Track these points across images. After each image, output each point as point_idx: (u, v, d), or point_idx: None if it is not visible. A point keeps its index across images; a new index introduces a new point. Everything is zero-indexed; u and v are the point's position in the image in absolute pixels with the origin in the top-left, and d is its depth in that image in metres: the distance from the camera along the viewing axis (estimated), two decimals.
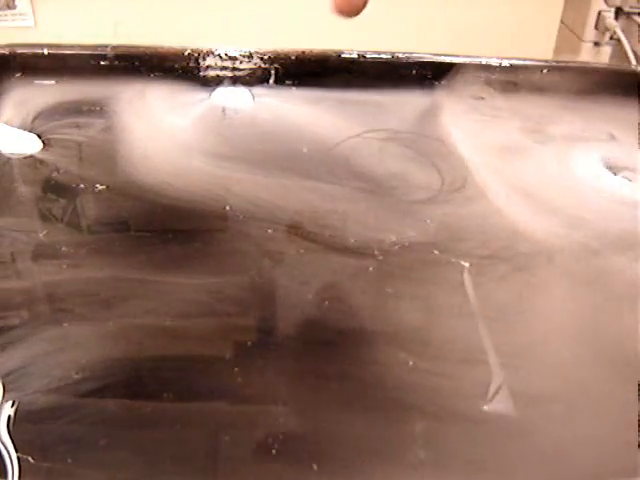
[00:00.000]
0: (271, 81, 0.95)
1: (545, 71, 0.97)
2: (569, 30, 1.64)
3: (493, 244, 0.73)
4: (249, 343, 0.62)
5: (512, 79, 0.96)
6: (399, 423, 0.56)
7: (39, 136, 0.84)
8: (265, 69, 0.95)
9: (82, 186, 0.79)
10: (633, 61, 1.47)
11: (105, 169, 0.81)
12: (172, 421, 0.55)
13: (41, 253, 0.69)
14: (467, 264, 0.70)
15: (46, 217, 0.75)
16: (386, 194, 0.80)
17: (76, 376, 0.57)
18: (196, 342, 0.63)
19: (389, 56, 0.96)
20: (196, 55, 0.94)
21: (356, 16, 0.50)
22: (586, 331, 0.64)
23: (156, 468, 0.52)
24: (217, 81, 0.95)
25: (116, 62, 0.93)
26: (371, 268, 0.69)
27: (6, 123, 0.85)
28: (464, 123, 0.92)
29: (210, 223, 0.74)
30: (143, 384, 0.58)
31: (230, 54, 0.94)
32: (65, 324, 0.62)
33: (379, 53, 0.96)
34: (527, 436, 0.55)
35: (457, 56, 0.97)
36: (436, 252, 0.71)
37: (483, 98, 0.96)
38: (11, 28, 1.52)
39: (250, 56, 0.94)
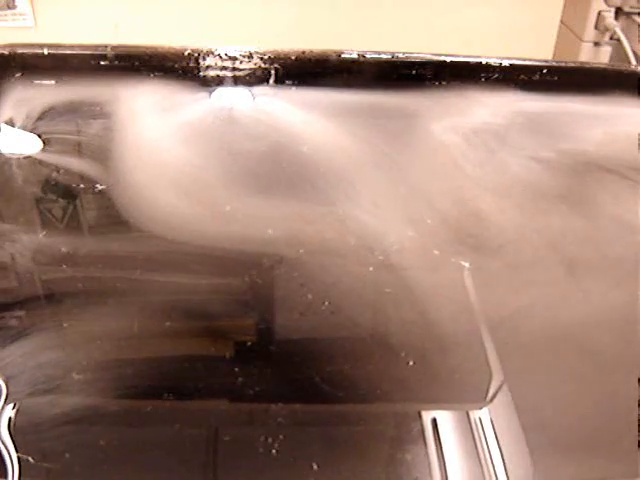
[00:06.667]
0: (271, 81, 0.95)
1: (545, 71, 0.97)
2: (569, 30, 1.64)
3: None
4: (249, 343, 0.62)
5: None
6: (400, 422, 0.56)
7: (39, 136, 0.84)
8: (265, 69, 0.94)
9: (82, 186, 0.79)
10: (633, 61, 1.47)
11: (105, 169, 0.81)
12: (172, 421, 0.55)
13: (41, 253, 0.69)
14: (467, 264, 0.70)
15: (46, 217, 0.75)
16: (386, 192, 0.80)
17: (76, 376, 0.57)
18: (196, 342, 0.63)
19: (389, 56, 0.96)
20: (196, 55, 0.94)
21: None
22: None
23: (156, 467, 0.52)
24: (217, 81, 0.95)
25: (116, 62, 0.93)
26: (371, 268, 0.69)
27: (6, 123, 0.85)
28: None
29: (210, 223, 0.74)
30: (143, 384, 0.58)
31: (230, 54, 0.94)
32: (65, 324, 0.62)
33: (379, 53, 0.96)
34: None
35: (457, 56, 0.97)
36: (436, 252, 0.71)
37: None
38: (11, 28, 1.52)
39: (250, 56, 0.94)
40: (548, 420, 0.57)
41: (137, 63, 0.94)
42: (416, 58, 0.96)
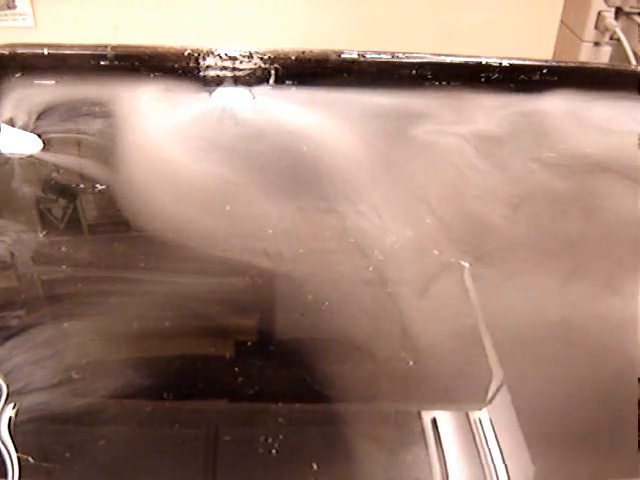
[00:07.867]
0: (271, 81, 0.95)
1: (545, 71, 0.97)
2: (569, 30, 1.64)
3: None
4: (249, 343, 0.62)
5: None
6: (400, 422, 0.56)
7: (39, 136, 0.84)
8: (265, 69, 0.94)
9: (82, 186, 0.79)
10: (633, 61, 1.47)
11: (105, 169, 0.81)
12: (172, 421, 0.55)
13: (41, 253, 0.69)
14: (467, 264, 0.70)
15: (46, 217, 0.75)
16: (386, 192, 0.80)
17: (76, 376, 0.57)
18: (196, 342, 0.63)
19: (389, 56, 0.96)
20: (196, 55, 0.94)
21: None
22: None
23: (156, 467, 0.52)
24: (217, 81, 0.95)
25: (116, 62, 0.93)
26: (371, 268, 0.69)
27: (6, 123, 0.85)
28: None
29: (210, 223, 0.74)
30: (143, 384, 0.58)
31: (230, 54, 0.94)
32: (65, 324, 0.62)
33: (379, 53, 0.96)
34: None
35: (457, 56, 0.97)
36: (436, 252, 0.71)
37: None
38: (11, 28, 1.53)
39: (250, 56, 0.94)
40: (548, 420, 0.57)
41: (137, 63, 0.94)
42: (416, 58, 0.96)
